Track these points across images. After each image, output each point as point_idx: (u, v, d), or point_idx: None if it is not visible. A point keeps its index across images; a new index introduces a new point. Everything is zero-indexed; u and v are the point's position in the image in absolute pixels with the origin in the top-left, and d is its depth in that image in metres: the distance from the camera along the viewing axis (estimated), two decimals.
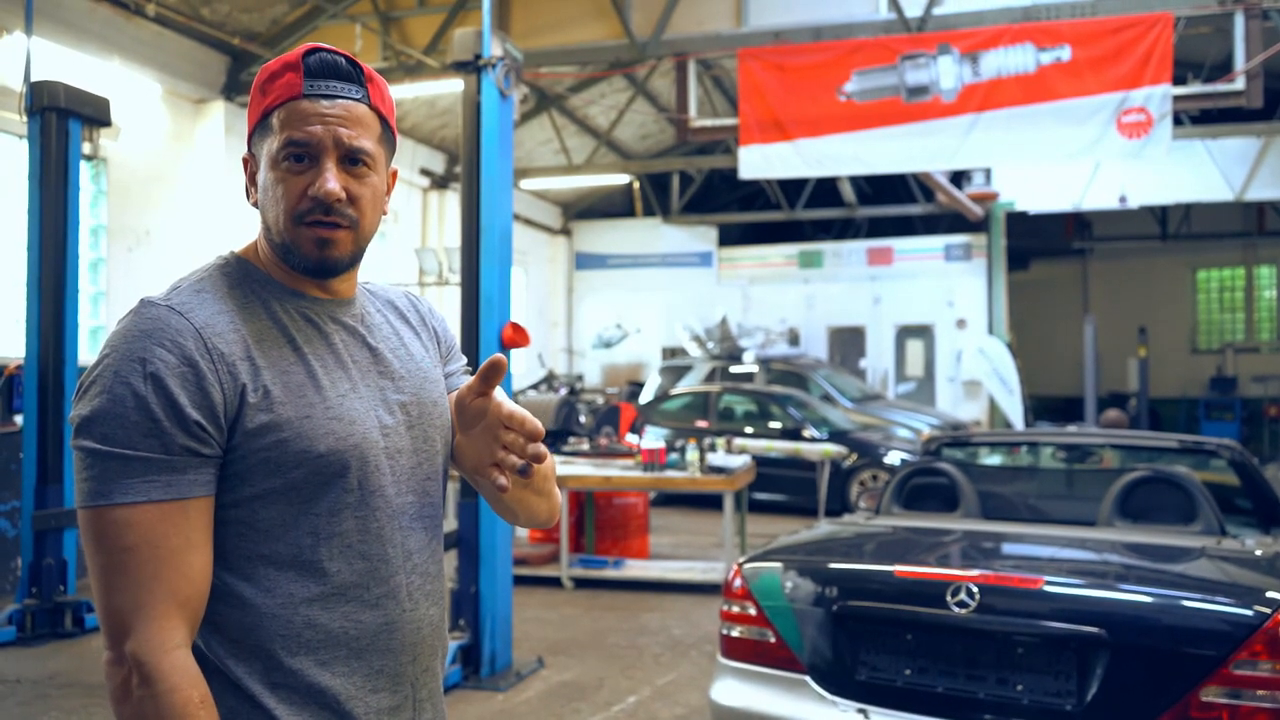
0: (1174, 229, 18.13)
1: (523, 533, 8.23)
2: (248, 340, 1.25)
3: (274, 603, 1.25)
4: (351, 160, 1.29)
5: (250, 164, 1.34)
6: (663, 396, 12.64)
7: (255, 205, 1.34)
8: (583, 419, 12.65)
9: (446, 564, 1.54)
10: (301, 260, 1.30)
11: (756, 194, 17.75)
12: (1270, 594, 2.88)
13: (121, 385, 1.17)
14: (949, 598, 3.05)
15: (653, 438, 8.47)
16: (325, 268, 1.32)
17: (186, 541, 1.19)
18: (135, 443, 1.17)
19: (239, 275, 1.32)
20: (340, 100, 1.28)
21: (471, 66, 5.29)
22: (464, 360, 1.57)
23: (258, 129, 1.31)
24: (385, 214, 1.38)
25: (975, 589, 3.04)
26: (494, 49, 5.29)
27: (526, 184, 14.68)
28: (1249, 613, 2.81)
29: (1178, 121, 8.93)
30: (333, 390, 1.29)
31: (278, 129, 1.27)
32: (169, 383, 1.18)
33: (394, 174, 1.41)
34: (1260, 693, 2.69)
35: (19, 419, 6.91)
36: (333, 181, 1.27)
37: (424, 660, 1.38)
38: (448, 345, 1.53)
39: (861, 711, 3.13)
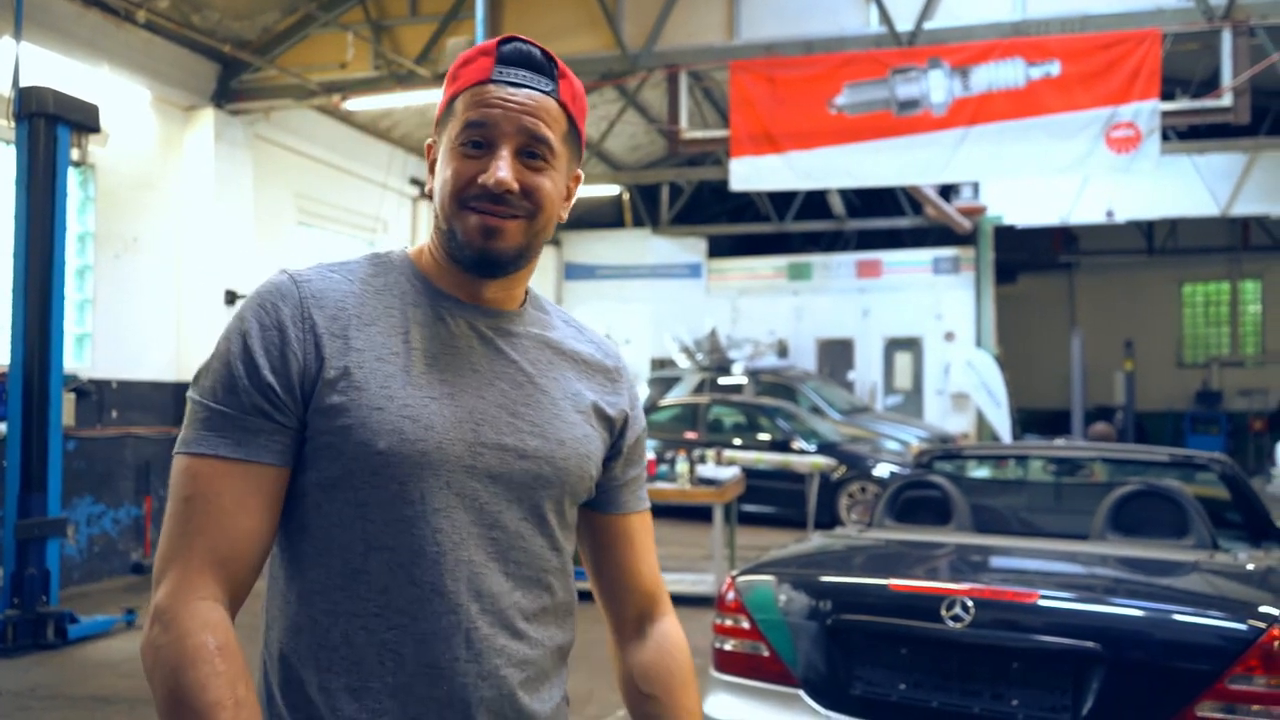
0: (1160, 243, 18.27)
1: None
2: (353, 318, 1.19)
3: (315, 611, 1.18)
4: (530, 152, 1.20)
5: (432, 151, 1.27)
6: (651, 408, 12.62)
7: (429, 196, 1.27)
8: None
9: None
10: (464, 248, 1.20)
11: (746, 206, 17.79)
12: (1264, 609, 2.87)
13: (224, 341, 1.19)
14: (944, 612, 3.04)
15: None
16: (489, 258, 1.21)
17: (239, 504, 1.13)
18: (219, 397, 1.16)
19: (385, 265, 1.26)
20: (527, 89, 1.20)
21: None
22: (641, 467, 1.44)
23: (444, 115, 1.24)
24: (562, 219, 1.28)
25: (970, 603, 3.02)
26: None
27: None
28: (1243, 627, 2.81)
29: (1165, 137, 8.98)
30: (422, 391, 1.18)
31: (460, 112, 1.21)
32: (253, 343, 1.16)
33: (577, 178, 1.30)
34: (1255, 708, 2.69)
35: (2, 426, 6.84)
36: (505, 170, 1.18)
37: None
38: (635, 435, 1.39)
39: None
